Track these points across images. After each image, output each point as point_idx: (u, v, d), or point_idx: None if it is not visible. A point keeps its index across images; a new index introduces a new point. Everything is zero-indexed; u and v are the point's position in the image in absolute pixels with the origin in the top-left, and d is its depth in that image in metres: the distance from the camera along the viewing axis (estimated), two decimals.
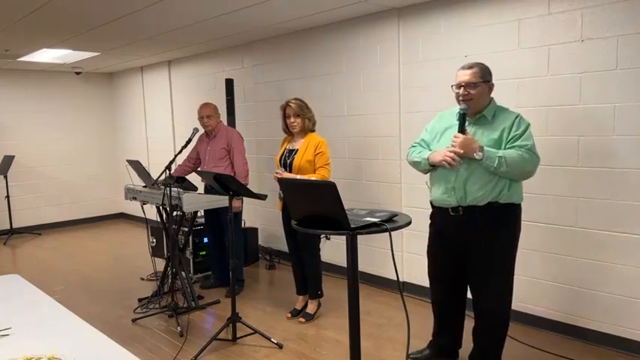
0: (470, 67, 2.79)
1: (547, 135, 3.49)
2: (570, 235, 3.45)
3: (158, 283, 4.49)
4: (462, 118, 2.72)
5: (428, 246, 3.09)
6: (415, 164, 2.98)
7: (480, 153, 2.63)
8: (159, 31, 5.02)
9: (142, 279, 5.15)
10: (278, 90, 5.47)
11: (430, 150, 2.92)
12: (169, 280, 4.24)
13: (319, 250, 4.02)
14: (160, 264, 4.81)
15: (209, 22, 4.63)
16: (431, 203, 3.00)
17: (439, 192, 2.85)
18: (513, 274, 2.90)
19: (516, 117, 2.75)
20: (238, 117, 5.56)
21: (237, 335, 3.60)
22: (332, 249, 4.83)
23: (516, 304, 3.76)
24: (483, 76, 2.77)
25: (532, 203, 3.60)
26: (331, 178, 3.80)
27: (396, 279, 2.71)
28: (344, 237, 2.41)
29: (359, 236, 2.40)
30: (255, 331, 3.62)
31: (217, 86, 6.16)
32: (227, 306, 4.02)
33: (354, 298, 2.45)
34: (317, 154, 3.81)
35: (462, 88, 2.76)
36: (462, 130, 2.71)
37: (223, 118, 5.01)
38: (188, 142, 4.28)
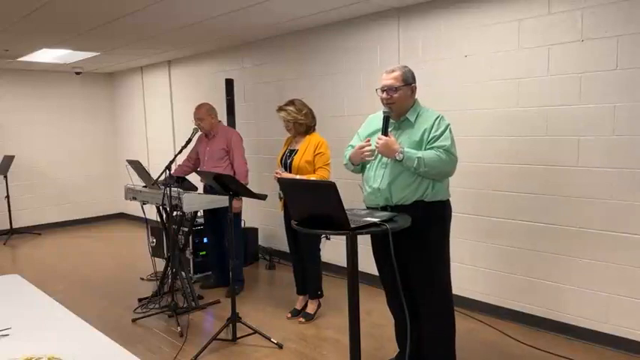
0: (392, 70, 2.84)
1: (547, 135, 3.49)
2: (570, 235, 3.45)
3: (158, 283, 4.49)
4: (385, 120, 2.77)
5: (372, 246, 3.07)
6: (345, 167, 3.04)
7: (401, 154, 2.68)
8: (159, 31, 5.02)
9: (142, 279, 5.15)
10: (278, 90, 5.47)
11: None
12: (169, 280, 4.25)
13: (319, 250, 4.03)
14: (160, 264, 4.80)
15: (209, 22, 4.63)
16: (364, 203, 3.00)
17: (368, 193, 2.90)
18: (449, 268, 2.89)
19: (437, 118, 2.79)
20: (238, 117, 5.56)
21: (237, 335, 3.60)
22: (332, 249, 4.83)
23: (516, 304, 3.78)
24: (405, 79, 2.81)
25: (532, 203, 3.60)
26: (331, 178, 3.79)
27: None
28: (344, 237, 2.41)
29: (359, 236, 2.40)
30: (255, 331, 3.62)
31: (217, 86, 6.15)
32: (227, 306, 4.01)
33: (354, 298, 2.45)
34: (317, 154, 3.81)
35: (385, 92, 2.81)
36: (385, 132, 2.76)
37: (223, 117, 5.00)
38: (188, 142, 4.28)
